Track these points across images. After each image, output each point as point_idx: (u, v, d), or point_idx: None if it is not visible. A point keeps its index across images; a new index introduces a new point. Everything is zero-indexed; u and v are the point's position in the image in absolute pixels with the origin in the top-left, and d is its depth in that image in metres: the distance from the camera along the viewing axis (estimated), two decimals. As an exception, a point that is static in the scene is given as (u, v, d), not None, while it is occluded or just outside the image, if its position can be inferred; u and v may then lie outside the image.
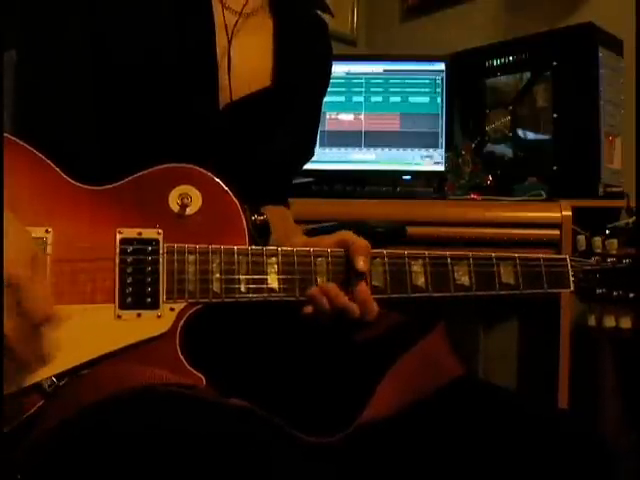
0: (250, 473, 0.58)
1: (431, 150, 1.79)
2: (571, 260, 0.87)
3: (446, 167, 1.77)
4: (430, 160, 1.79)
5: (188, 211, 0.75)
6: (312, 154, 1.03)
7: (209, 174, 0.76)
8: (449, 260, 0.82)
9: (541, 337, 1.65)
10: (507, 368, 1.90)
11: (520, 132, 1.72)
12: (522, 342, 1.90)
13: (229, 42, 0.86)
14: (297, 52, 0.93)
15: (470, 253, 0.83)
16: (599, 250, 0.88)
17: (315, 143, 1.05)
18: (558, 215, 1.43)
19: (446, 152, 1.78)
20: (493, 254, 0.84)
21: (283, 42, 0.91)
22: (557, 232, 1.43)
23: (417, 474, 0.74)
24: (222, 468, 0.57)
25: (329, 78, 1.05)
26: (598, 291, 0.87)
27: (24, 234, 0.67)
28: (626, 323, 0.87)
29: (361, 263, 0.76)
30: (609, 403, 1.55)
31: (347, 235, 0.80)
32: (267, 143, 0.90)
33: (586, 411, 1.57)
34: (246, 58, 0.87)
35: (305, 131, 0.99)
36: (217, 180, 0.76)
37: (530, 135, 1.71)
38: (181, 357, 0.71)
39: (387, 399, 0.75)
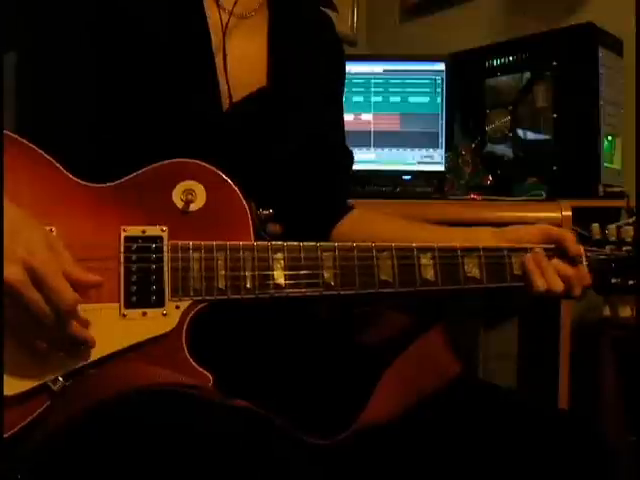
0: (252, 473, 0.58)
1: (431, 150, 1.79)
2: (585, 250, 0.86)
3: (446, 167, 1.77)
4: (430, 160, 1.79)
5: (192, 207, 0.74)
6: (345, 151, 1.05)
7: (213, 169, 0.75)
8: (459, 252, 0.81)
9: (541, 337, 1.65)
10: (507, 368, 1.90)
11: (520, 132, 1.72)
12: (522, 342, 1.90)
13: (223, 41, 0.85)
14: (295, 52, 0.92)
15: (481, 245, 0.82)
16: (614, 238, 0.86)
17: (343, 139, 1.05)
18: (558, 215, 1.43)
19: (446, 152, 1.78)
20: (505, 245, 0.83)
21: (279, 42, 0.91)
22: (557, 232, 1.42)
23: (417, 474, 0.74)
24: (225, 468, 0.58)
25: (343, 71, 1.04)
26: (614, 281, 0.85)
27: (29, 220, 0.67)
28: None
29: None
30: (609, 403, 1.54)
31: (554, 231, 0.86)
32: (273, 142, 0.89)
33: (586, 411, 1.57)
34: (242, 58, 0.87)
35: (320, 128, 0.97)
36: (221, 175, 0.76)
37: (530, 135, 1.70)
38: (187, 356, 0.71)
39: (385, 400, 0.75)
